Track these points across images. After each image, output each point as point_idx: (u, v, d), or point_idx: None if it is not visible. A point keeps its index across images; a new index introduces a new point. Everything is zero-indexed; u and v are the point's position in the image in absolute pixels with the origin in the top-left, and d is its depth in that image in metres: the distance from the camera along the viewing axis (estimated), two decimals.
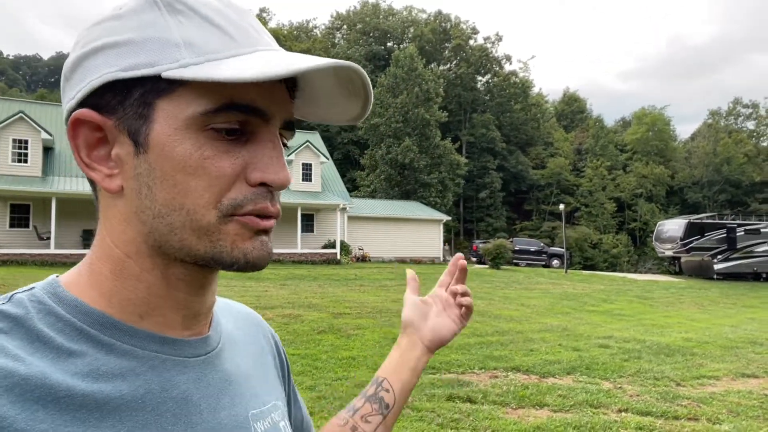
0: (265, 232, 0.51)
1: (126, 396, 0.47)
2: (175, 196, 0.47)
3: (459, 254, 0.93)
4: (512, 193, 51.70)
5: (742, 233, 26.35)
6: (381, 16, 58.05)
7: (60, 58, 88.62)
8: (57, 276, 0.52)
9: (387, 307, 11.82)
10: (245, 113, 0.48)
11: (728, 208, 46.22)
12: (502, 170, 49.89)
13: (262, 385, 0.63)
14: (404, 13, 59.34)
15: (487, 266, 25.38)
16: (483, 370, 6.96)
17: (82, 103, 0.49)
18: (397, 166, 36.60)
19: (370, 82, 0.51)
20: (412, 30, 56.42)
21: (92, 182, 0.51)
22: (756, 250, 26.52)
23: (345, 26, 59.01)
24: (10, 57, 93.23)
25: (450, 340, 0.87)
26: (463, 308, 0.88)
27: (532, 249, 30.64)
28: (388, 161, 36.43)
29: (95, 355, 0.47)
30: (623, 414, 5.42)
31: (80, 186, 19.71)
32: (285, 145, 0.54)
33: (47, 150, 21.80)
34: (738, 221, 27.37)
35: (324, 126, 48.64)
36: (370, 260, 25.83)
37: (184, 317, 0.54)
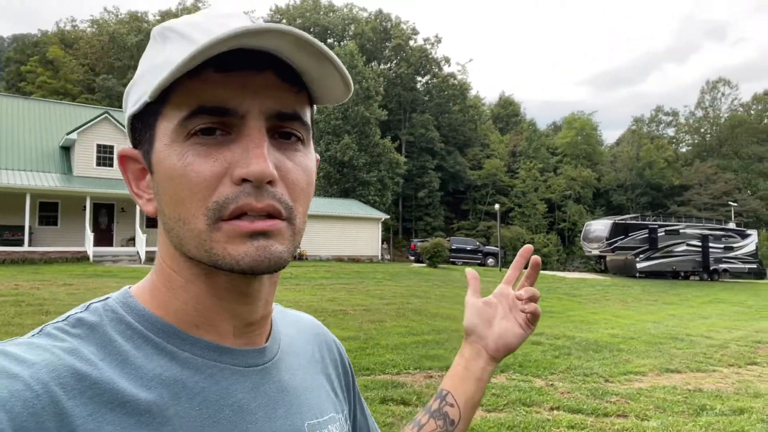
0: (263, 234, 0.49)
1: (185, 403, 0.49)
2: (174, 208, 0.50)
3: (529, 246, 0.83)
4: (450, 193, 52.47)
5: (663, 234, 27.86)
6: (321, 12, 57.46)
7: None
8: (129, 287, 0.56)
9: (322, 306, 11.53)
10: (215, 115, 0.48)
11: (650, 210, 48.87)
12: (441, 170, 50.52)
13: (320, 396, 0.63)
14: (345, 10, 58.99)
15: (425, 265, 25.53)
16: (418, 371, 6.83)
17: (132, 139, 0.55)
18: (336, 164, 36.27)
19: (312, 39, 0.47)
20: (353, 28, 56.14)
21: None
22: (675, 249, 28.12)
23: (284, 20, 57.93)
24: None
25: (517, 346, 0.81)
26: (529, 314, 0.81)
27: (468, 248, 31.13)
28: (327, 159, 36.01)
29: (159, 362, 0.50)
30: (555, 412, 5.42)
31: None
32: (298, 138, 0.53)
33: None
34: (659, 222, 28.90)
35: None
36: (306, 259, 25.40)
37: (235, 327, 0.55)
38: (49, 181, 19.18)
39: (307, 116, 0.54)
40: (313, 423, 0.59)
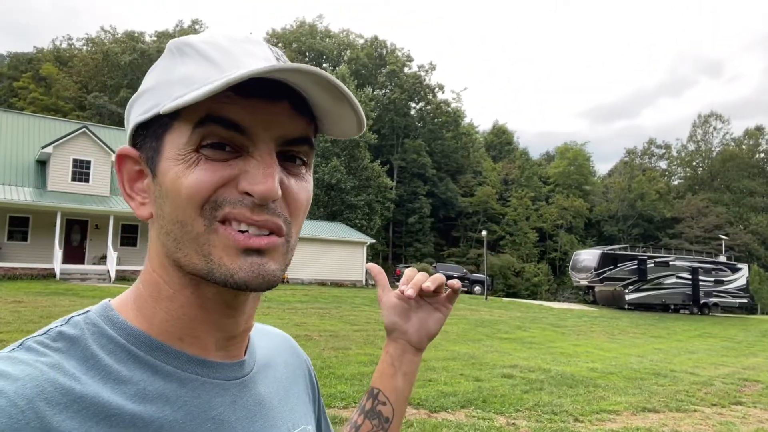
0: (257, 251, 0.50)
1: (168, 416, 0.49)
2: (175, 212, 0.51)
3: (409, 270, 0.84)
4: (441, 219, 52.05)
5: (652, 265, 27.38)
6: (318, 37, 57.80)
7: None
8: (109, 300, 0.56)
9: (287, 331, 10.82)
10: (223, 126, 0.50)
11: (641, 242, 48.55)
12: (432, 196, 50.19)
13: (294, 409, 0.65)
14: (341, 35, 59.41)
15: None
16: None
17: (131, 143, 0.56)
18: (324, 187, 35.84)
19: (339, 83, 0.50)
20: (348, 53, 56.44)
21: None
22: (665, 282, 27.62)
23: (280, 44, 58.25)
24: None
25: (438, 330, 0.82)
26: (449, 290, 0.83)
27: (455, 275, 30.47)
28: (315, 181, 35.50)
29: (142, 376, 0.50)
30: None
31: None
32: (303, 161, 0.55)
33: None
34: (649, 253, 28.45)
35: None
36: (288, 282, 24.73)
37: (218, 339, 0.56)
38: (20, 195, 18.59)
39: (313, 141, 0.57)
40: None
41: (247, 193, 0.50)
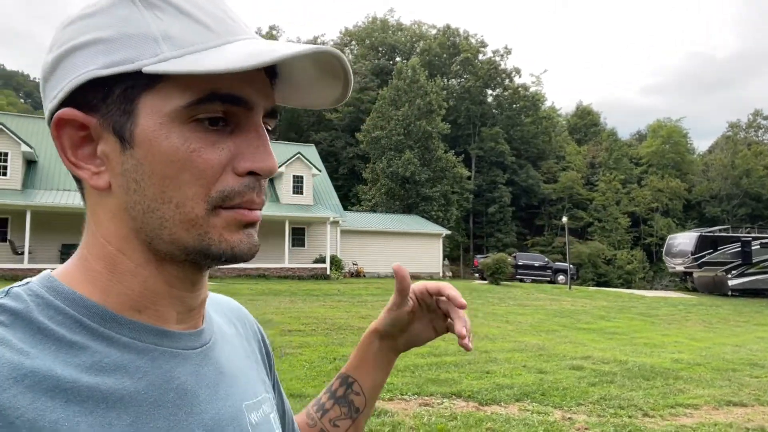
0: (252, 224, 0.52)
1: (128, 387, 0.47)
2: (164, 189, 0.48)
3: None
4: (523, 208, 50.41)
5: (758, 247, 24.85)
6: (390, 32, 57.78)
7: None
8: (50, 271, 0.53)
9: (349, 323, 10.90)
10: (228, 103, 0.48)
11: (749, 223, 44.32)
12: (513, 184, 48.69)
13: (252, 377, 0.64)
14: (413, 27, 59.02)
15: (486, 282, 24.28)
16: (416, 396, 6.01)
17: (64, 103, 0.49)
18: (398, 180, 35.74)
19: (348, 64, 0.51)
20: (420, 44, 55.98)
21: (78, 181, 0.52)
22: None
23: (354, 42, 58.86)
24: (36, 79, 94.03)
25: (423, 344, 0.83)
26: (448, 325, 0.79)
27: (537, 264, 29.41)
28: (389, 174, 35.57)
29: (96, 347, 0.47)
30: None
31: (60, 199, 19.26)
32: (269, 131, 0.55)
33: (30, 163, 21.47)
34: (753, 234, 25.85)
35: (329, 140, 48.27)
36: (364, 276, 24.93)
37: (179, 312, 0.55)
38: None
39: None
40: (249, 403, 0.59)
41: (251, 172, 0.50)
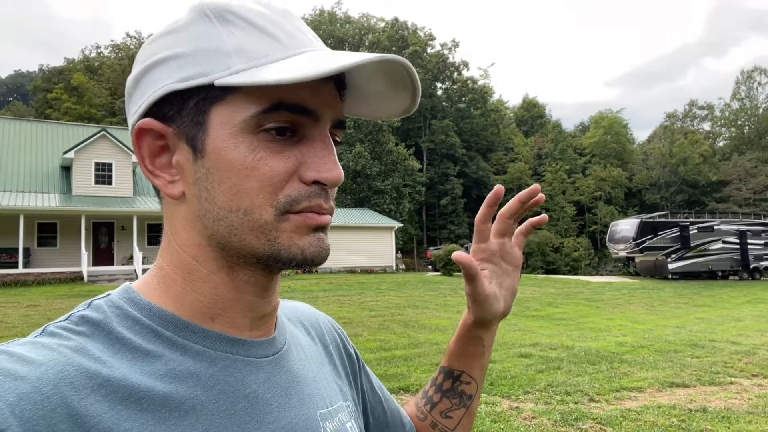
0: (322, 228, 0.52)
1: (201, 396, 0.48)
2: (233, 198, 0.49)
3: (534, 186, 0.73)
4: (474, 200, 51.01)
5: (696, 231, 25.94)
6: (338, 24, 57.25)
7: (18, 76, 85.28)
8: (130, 283, 0.55)
9: None
10: (294, 113, 0.49)
11: (686, 209, 46.36)
12: (464, 176, 49.23)
13: (327, 385, 0.64)
14: (362, 20, 58.67)
15: (439, 273, 24.40)
16: None
17: (146, 115, 0.52)
18: (349, 173, 35.50)
19: (416, 73, 0.51)
20: (369, 37, 55.71)
21: (158, 191, 0.55)
22: (710, 248, 26.15)
23: None
24: None
25: (514, 298, 0.78)
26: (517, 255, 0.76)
27: None
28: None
29: (171, 356, 0.49)
30: None
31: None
32: (337, 142, 0.55)
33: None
34: (691, 219, 26.98)
35: None
36: (317, 271, 24.59)
37: (251, 319, 0.55)
38: (46, 201, 18.93)
39: None
40: (324, 412, 0.59)
41: (316, 181, 0.50)
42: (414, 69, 0.50)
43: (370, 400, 0.73)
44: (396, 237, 29.41)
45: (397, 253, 29.63)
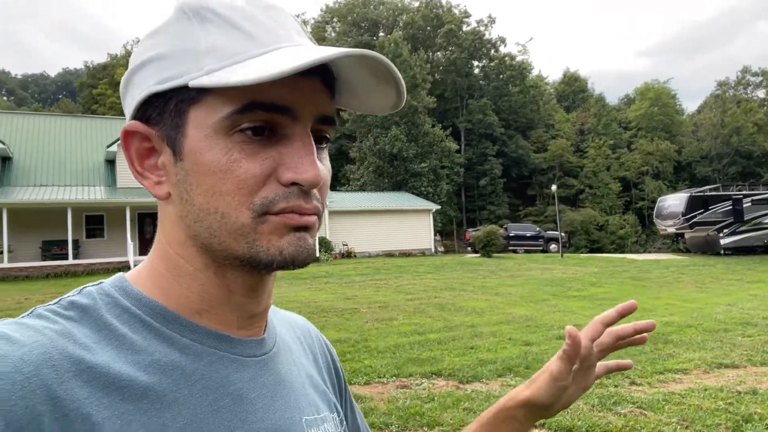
0: (305, 228, 0.50)
1: (184, 389, 0.48)
2: (209, 200, 0.49)
3: (632, 302, 0.69)
4: (514, 179, 50.11)
5: (749, 204, 24.68)
6: (371, 6, 56.69)
7: (66, 74, 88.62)
8: (123, 273, 0.55)
9: (334, 306, 10.64)
10: (270, 112, 0.48)
11: (740, 181, 44.20)
12: (503, 156, 48.31)
13: (314, 394, 0.63)
14: (395, 1, 57.90)
15: (478, 255, 24.10)
16: (394, 378, 5.76)
17: (135, 117, 0.52)
18: (386, 157, 35.32)
19: (394, 66, 0.50)
20: (403, 18, 54.98)
21: None
22: (765, 221, 24.85)
23: (335, 19, 57.77)
24: (18, 76, 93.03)
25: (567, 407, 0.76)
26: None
27: (528, 234, 29.22)
28: (377, 152, 35.14)
29: (157, 347, 0.49)
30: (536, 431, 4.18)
31: (38, 195, 18.82)
32: (327, 139, 0.54)
33: (4, 160, 20.96)
34: (744, 192, 25.67)
35: None
36: (355, 256, 24.67)
37: (239, 317, 0.55)
38: (93, 194, 19.57)
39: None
40: (310, 419, 0.58)
41: (294, 183, 0.48)
42: (391, 63, 0.48)
43: (348, 420, 0.71)
44: (434, 219, 29.18)
45: (435, 235, 29.42)
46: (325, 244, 22.76)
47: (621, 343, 0.71)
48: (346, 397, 0.72)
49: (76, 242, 18.75)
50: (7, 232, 17.74)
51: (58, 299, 0.49)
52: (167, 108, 0.49)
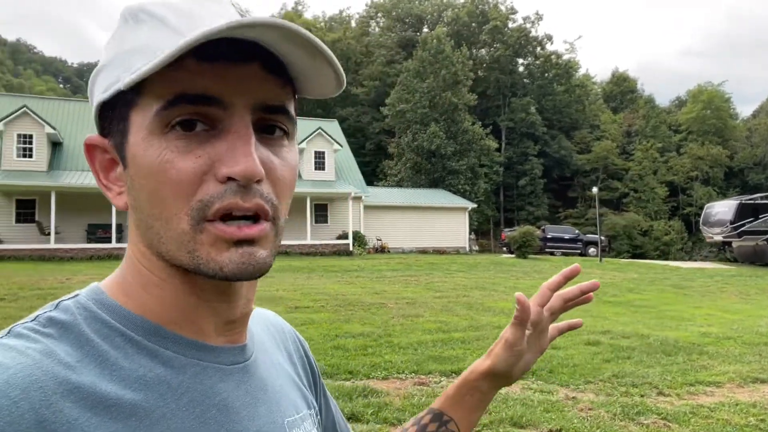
0: (249, 241, 0.46)
1: (171, 404, 0.47)
2: (153, 205, 0.47)
3: (576, 265, 0.73)
4: (555, 180, 49.12)
5: None
6: (416, 2, 56.43)
7: None
8: (98, 284, 0.53)
9: (361, 300, 10.66)
10: (195, 104, 0.45)
11: None
12: (544, 156, 47.39)
13: (293, 393, 0.63)
14: None
15: (513, 255, 23.73)
16: (414, 375, 5.72)
17: (100, 128, 0.51)
18: (424, 153, 35.18)
19: (317, 39, 0.46)
20: (448, 13, 54.53)
21: None
22: None
23: (380, 14, 57.78)
24: (74, 65, 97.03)
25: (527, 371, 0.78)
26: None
27: (566, 237, 28.58)
28: (415, 148, 35.04)
29: (140, 361, 0.47)
30: None
31: (85, 179, 19.53)
32: (284, 131, 0.50)
33: (55, 145, 21.81)
34: None
35: (355, 116, 47.79)
36: (389, 251, 24.69)
37: (216, 324, 0.53)
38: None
39: (293, 109, 0.51)
40: (290, 420, 0.58)
41: (230, 177, 0.45)
42: (312, 35, 0.44)
43: (323, 413, 0.71)
44: (470, 218, 28.91)
45: (471, 234, 29.15)
46: (359, 239, 22.85)
47: (569, 304, 0.72)
48: (319, 389, 0.72)
49: (119, 226, 19.36)
50: (54, 214, 18.51)
51: (34, 315, 0.48)
52: (114, 116, 0.48)
